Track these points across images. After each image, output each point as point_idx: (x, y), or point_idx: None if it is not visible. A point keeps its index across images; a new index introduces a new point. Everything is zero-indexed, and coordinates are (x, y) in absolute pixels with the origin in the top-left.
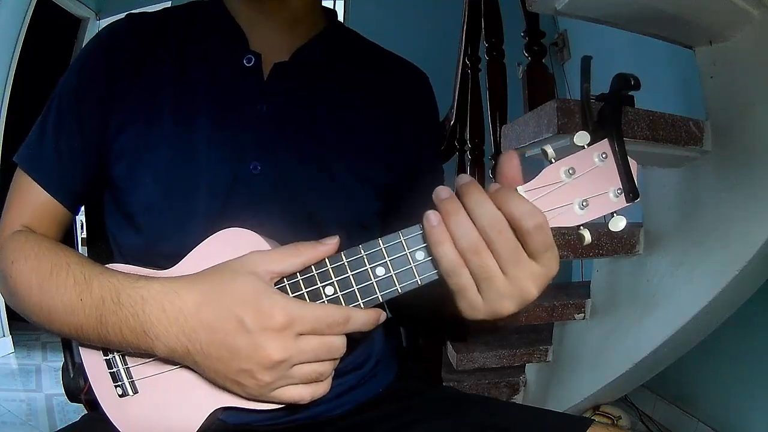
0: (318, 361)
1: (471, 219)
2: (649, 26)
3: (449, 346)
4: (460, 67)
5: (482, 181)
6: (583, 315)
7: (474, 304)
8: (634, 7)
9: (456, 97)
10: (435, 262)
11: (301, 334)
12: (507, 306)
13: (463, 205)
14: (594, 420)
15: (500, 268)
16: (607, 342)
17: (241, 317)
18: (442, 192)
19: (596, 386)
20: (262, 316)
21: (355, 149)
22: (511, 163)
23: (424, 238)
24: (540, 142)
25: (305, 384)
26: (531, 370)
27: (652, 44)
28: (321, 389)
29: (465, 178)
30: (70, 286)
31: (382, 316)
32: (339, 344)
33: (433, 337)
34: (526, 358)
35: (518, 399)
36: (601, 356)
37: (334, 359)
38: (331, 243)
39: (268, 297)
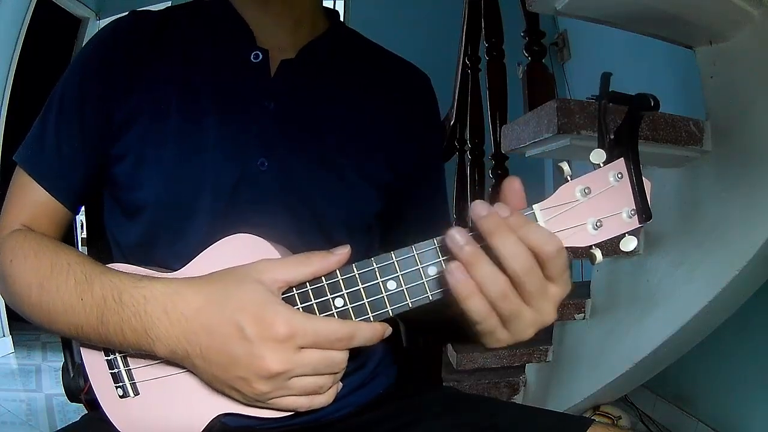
0: (318, 375)
1: (500, 260)
2: (649, 26)
3: (449, 346)
4: (460, 67)
5: (482, 181)
6: (583, 315)
7: (499, 339)
8: (634, 7)
9: (456, 97)
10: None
11: (302, 347)
12: (530, 333)
13: (490, 245)
14: (594, 420)
15: (527, 303)
16: (607, 342)
17: (242, 325)
18: (458, 237)
19: (596, 386)
20: (263, 326)
21: (360, 148)
22: (514, 189)
23: (438, 253)
24: (540, 142)
25: (303, 395)
26: (531, 370)
27: (652, 44)
28: (319, 400)
29: (482, 208)
30: (70, 285)
31: (388, 330)
32: (340, 359)
33: (433, 339)
34: (526, 358)
35: (518, 399)
36: (601, 356)
37: (335, 373)
38: (342, 253)
39: (272, 307)
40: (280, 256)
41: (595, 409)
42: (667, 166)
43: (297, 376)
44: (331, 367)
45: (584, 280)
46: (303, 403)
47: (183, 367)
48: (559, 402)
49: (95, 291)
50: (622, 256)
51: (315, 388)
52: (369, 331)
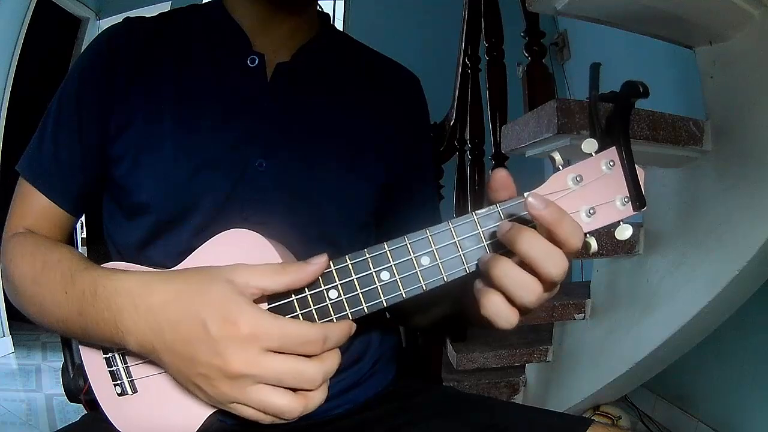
0: (283, 388)
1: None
2: (649, 26)
3: (449, 346)
4: (460, 67)
5: (482, 181)
6: (583, 315)
7: (512, 324)
8: (634, 7)
9: (456, 97)
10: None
11: (269, 350)
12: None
13: (531, 262)
14: (594, 420)
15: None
16: (607, 342)
17: (206, 321)
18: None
19: (596, 386)
20: (227, 325)
21: (356, 148)
22: (503, 179)
23: (430, 243)
24: (540, 142)
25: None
26: (531, 370)
27: (652, 44)
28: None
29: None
30: (57, 279)
31: (353, 327)
32: (311, 373)
33: (433, 337)
34: (526, 358)
35: (518, 399)
36: (601, 356)
37: (306, 390)
38: (319, 262)
39: (237, 306)
40: (276, 252)
41: (595, 409)
42: (667, 166)
43: (261, 383)
44: (299, 380)
45: (584, 280)
46: (264, 418)
47: None
48: (559, 402)
49: (76, 284)
50: (622, 255)
51: (274, 409)
52: (338, 332)
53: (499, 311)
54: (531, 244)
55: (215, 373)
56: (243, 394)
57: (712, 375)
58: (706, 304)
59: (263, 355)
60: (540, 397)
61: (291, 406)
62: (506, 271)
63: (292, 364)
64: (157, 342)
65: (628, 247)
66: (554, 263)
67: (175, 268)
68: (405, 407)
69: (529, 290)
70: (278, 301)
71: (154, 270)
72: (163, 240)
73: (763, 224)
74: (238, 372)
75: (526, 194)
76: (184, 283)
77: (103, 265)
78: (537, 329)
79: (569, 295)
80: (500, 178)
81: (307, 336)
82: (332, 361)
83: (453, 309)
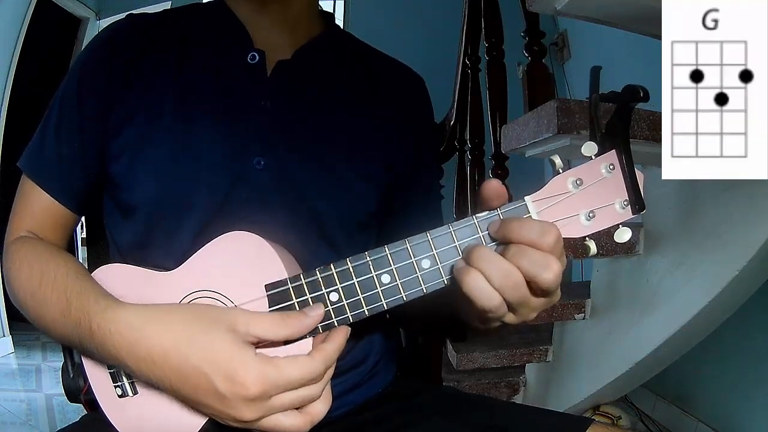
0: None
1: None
2: (649, 26)
3: (449, 346)
4: (460, 67)
5: (482, 181)
6: (583, 315)
7: (507, 322)
8: (634, 7)
9: (456, 97)
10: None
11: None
12: (533, 316)
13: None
14: (594, 420)
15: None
16: (607, 342)
17: (212, 379)
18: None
19: (596, 386)
20: (235, 385)
21: (357, 147)
22: (495, 189)
23: (431, 246)
24: (540, 142)
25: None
26: (531, 370)
27: (652, 44)
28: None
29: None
30: (54, 300)
31: (347, 332)
32: (313, 393)
33: (433, 337)
34: (526, 358)
35: (518, 399)
36: (601, 356)
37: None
38: (317, 314)
39: (242, 364)
40: (278, 256)
41: (595, 409)
42: None
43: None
44: (305, 401)
45: (584, 280)
46: None
47: None
48: (559, 402)
49: (72, 312)
50: (622, 255)
51: (286, 431)
52: (336, 349)
53: (479, 288)
54: (487, 263)
55: (226, 417)
56: (254, 426)
57: (712, 375)
58: (706, 304)
59: (271, 400)
60: (540, 397)
61: (299, 425)
62: (483, 255)
63: (297, 395)
64: (163, 385)
65: (628, 247)
66: (512, 283)
67: (175, 272)
68: (405, 407)
69: (507, 273)
70: (280, 304)
71: (148, 305)
72: (162, 240)
73: (763, 224)
74: (251, 419)
75: (526, 197)
76: (180, 330)
77: (97, 271)
78: (537, 329)
79: (569, 295)
80: (492, 189)
81: (311, 374)
82: (330, 372)
83: (447, 309)
